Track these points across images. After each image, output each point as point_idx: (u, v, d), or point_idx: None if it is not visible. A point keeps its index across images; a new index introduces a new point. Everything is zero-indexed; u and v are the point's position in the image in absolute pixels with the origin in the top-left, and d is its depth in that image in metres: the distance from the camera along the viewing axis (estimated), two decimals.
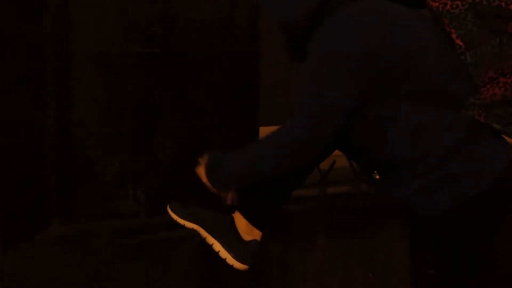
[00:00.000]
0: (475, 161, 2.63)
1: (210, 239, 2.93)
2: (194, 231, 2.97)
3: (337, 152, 2.89)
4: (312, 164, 2.98)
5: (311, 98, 2.61)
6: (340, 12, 2.61)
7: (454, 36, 2.65)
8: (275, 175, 2.79)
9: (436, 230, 2.72)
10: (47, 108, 3.43)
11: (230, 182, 2.88)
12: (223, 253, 2.91)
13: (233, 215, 2.96)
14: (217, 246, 2.92)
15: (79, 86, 3.43)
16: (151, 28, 3.50)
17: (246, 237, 2.93)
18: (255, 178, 2.83)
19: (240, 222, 2.94)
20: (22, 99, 3.36)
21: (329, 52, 2.58)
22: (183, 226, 2.99)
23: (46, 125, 3.44)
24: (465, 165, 2.61)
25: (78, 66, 3.41)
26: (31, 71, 3.38)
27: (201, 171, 2.92)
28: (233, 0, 3.55)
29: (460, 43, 2.64)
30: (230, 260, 2.90)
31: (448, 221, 2.68)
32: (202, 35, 3.58)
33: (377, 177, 2.77)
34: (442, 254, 2.74)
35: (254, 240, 2.94)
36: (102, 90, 3.46)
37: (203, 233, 2.95)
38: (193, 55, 3.57)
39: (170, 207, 3.00)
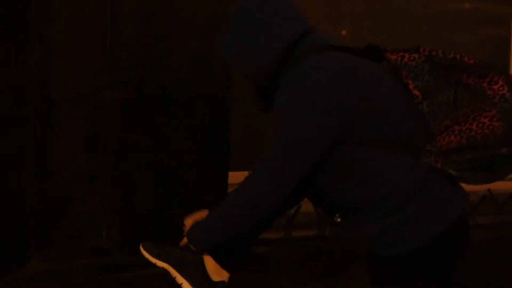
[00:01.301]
0: (433, 205, 2.64)
1: (180, 279, 2.89)
2: (165, 270, 2.92)
3: None
4: (280, 210, 2.93)
5: (277, 147, 2.62)
6: (304, 63, 2.62)
7: (411, 87, 2.67)
8: (250, 222, 2.77)
9: (394, 270, 2.72)
10: (26, 150, 3.43)
11: (205, 242, 2.85)
12: None
13: (203, 256, 2.91)
14: (186, 286, 2.88)
15: (59, 128, 3.42)
16: (128, 73, 3.51)
17: (215, 277, 2.90)
18: (233, 229, 2.80)
19: (209, 263, 2.89)
20: (2, 139, 3.36)
21: (293, 103, 2.59)
22: (154, 265, 2.94)
23: (26, 165, 3.44)
24: (423, 208, 2.62)
25: (58, 110, 3.42)
26: (12, 113, 3.39)
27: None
28: (207, 44, 3.56)
29: (417, 93, 2.66)
30: None
31: (404, 262, 2.68)
32: (178, 79, 3.58)
33: (339, 220, 2.75)
34: None
35: (222, 281, 2.91)
36: (80, 133, 3.47)
37: (173, 272, 2.90)
38: (169, 98, 3.58)
39: (142, 246, 2.95)
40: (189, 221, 2.95)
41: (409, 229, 2.63)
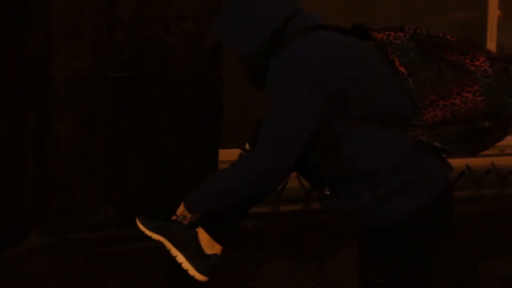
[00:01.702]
0: (419, 177, 2.72)
1: (174, 251, 2.96)
2: (160, 243, 2.98)
3: None
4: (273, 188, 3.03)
5: (273, 127, 2.68)
6: (292, 43, 2.69)
7: (397, 63, 2.74)
8: (247, 196, 2.83)
9: (383, 241, 2.79)
10: (26, 128, 3.45)
11: (202, 207, 2.91)
12: (186, 265, 2.93)
13: (196, 229, 2.98)
14: (180, 258, 2.95)
15: (57, 107, 3.44)
16: (123, 54, 3.52)
17: (208, 250, 2.96)
18: (229, 199, 2.86)
19: (203, 236, 2.96)
20: (3, 118, 3.38)
21: (284, 81, 2.65)
22: (150, 238, 3.00)
23: (25, 143, 3.47)
24: (410, 180, 2.70)
25: (56, 89, 3.43)
26: (13, 93, 3.41)
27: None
28: (199, 27, 3.58)
29: (403, 70, 2.73)
30: (192, 271, 2.93)
31: (394, 232, 2.75)
32: (170, 60, 3.60)
33: (328, 192, 2.82)
34: (389, 263, 2.82)
35: (215, 254, 2.97)
36: (77, 112, 3.48)
37: (168, 245, 2.97)
38: (162, 78, 3.59)
39: (139, 220, 3.02)
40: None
41: (397, 201, 2.70)
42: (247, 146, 3.06)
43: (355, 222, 2.90)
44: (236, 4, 2.80)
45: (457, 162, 4.32)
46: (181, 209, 2.96)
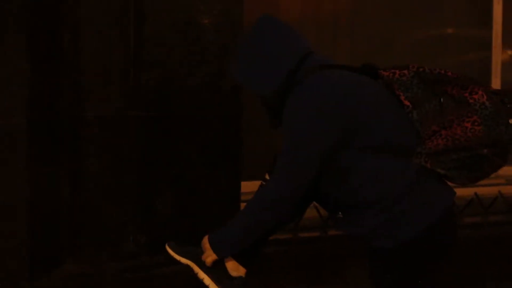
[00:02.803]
0: (421, 203, 2.83)
1: (201, 274, 3.02)
2: (187, 267, 3.05)
3: None
4: (293, 215, 3.10)
5: (288, 157, 2.82)
6: (307, 81, 2.81)
7: (402, 98, 2.87)
8: (270, 224, 2.94)
9: (389, 261, 2.90)
10: (61, 165, 3.56)
11: (232, 248, 2.98)
12: (212, 286, 3.00)
13: None
14: (207, 280, 3.01)
15: (89, 145, 3.55)
16: (149, 95, 3.64)
17: (233, 273, 3.03)
18: (252, 234, 2.96)
19: (228, 260, 3.02)
20: (40, 155, 3.49)
21: (298, 116, 2.79)
22: (178, 262, 3.07)
23: (61, 178, 3.57)
24: (413, 206, 2.81)
25: (89, 128, 3.54)
26: (49, 132, 3.52)
27: (203, 244, 3.03)
28: (220, 69, 3.68)
29: (408, 103, 2.85)
30: None
31: (399, 253, 2.85)
32: (193, 100, 3.71)
33: (341, 216, 2.92)
34: (395, 282, 2.91)
35: (240, 276, 3.04)
36: (108, 149, 3.58)
37: (196, 268, 3.03)
38: (185, 117, 3.70)
39: (168, 245, 3.09)
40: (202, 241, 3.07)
41: (400, 225, 2.82)
42: (267, 177, 3.12)
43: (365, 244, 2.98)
44: (251, 47, 2.92)
45: (466, 191, 4.51)
46: (208, 252, 3.01)
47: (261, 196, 2.93)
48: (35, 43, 3.43)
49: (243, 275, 3.07)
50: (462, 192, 4.49)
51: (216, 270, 3.04)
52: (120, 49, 3.58)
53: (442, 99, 2.86)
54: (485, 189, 4.74)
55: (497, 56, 5.02)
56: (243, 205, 3.68)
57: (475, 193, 4.69)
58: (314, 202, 3.11)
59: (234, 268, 3.05)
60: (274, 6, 4.42)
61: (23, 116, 3.39)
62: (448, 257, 3.01)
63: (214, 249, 2.99)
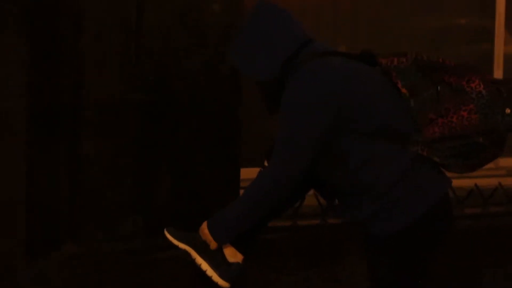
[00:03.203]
0: (417, 190, 2.85)
1: (199, 260, 3.04)
2: (185, 252, 3.06)
3: None
4: (290, 202, 3.15)
5: (285, 142, 2.83)
6: (305, 67, 2.83)
7: (400, 85, 2.88)
8: (267, 209, 2.94)
9: (385, 247, 2.91)
10: (60, 148, 3.58)
11: (232, 234, 3.00)
12: (210, 272, 3.01)
13: None
14: (205, 266, 3.03)
15: (88, 127, 3.57)
16: (149, 79, 3.64)
17: (230, 259, 3.04)
18: (250, 220, 2.97)
19: (226, 246, 3.04)
20: (40, 137, 3.53)
21: (297, 102, 2.80)
22: (176, 247, 3.08)
23: (60, 160, 3.59)
24: (408, 193, 2.83)
25: (87, 110, 3.56)
26: (49, 114, 3.55)
27: (202, 230, 3.04)
28: (218, 54, 3.68)
29: (405, 91, 2.87)
30: (216, 278, 3.00)
31: (394, 240, 2.87)
32: (193, 84, 3.71)
33: (337, 202, 2.97)
34: (391, 269, 2.93)
35: (237, 262, 3.05)
36: (107, 132, 3.59)
37: (194, 254, 3.05)
38: (185, 101, 3.71)
39: (167, 230, 3.10)
40: (201, 227, 3.08)
41: (395, 211, 2.83)
42: (265, 163, 3.15)
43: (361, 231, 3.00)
44: (250, 33, 2.94)
45: (466, 182, 4.52)
46: (207, 238, 3.03)
47: (259, 181, 2.93)
48: (34, 26, 3.45)
49: (241, 262, 3.08)
50: (462, 183, 4.54)
51: (214, 256, 3.05)
52: (119, 34, 3.60)
53: (439, 87, 2.87)
54: (485, 180, 4.74)
55: (500, 47, 5.01)
56: (242, 191, 3.70)
57: (475, 184, 4.68)
58: (314, 190, 3.14)
59: (232, 255, 3.07)
60: None
61: (22, 99, 3.40)
62: (443, 245, 3.01)
63: (213, 235, 3.00)
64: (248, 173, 3.72)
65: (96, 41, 3.56)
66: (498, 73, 5.03)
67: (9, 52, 3.38)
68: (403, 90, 2.88)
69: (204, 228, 3.05)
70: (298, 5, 4.48)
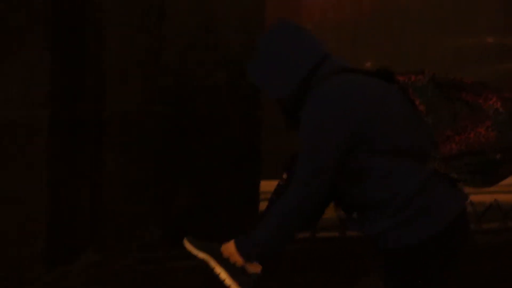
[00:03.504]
0: (434, 206, 2.85)
1: (218, 269, 3.05)
2: (203, 261, 3.09)
3: None
4: (313, 218, 3.13)
5: (307, 159, 2.86)
6: (323, 84, 2.85)
7: (417, 103, 2.89)
8: (292, 232, 2.99)
9: (398, 263, 2.92)
10: (83, 158, 3.66)
11: (261, 252, 3.01)
12: (228, 281, 3.02)
13: None
14: (224, 275, 3.04)
15: (110, 140, 3.63)
16: (169, 93, 3.71)
17: (249, 269, 3.06)
18: (279, 241, 2.99)
19: None
20: (64, 149, 3.58)
21: (316, 119, 2.83)
22: (196, 256, 3.11)
23: (82, 172, 3.66)
24: (425, 208, 2.83)
25: (110, 124, 3.62)
26: (73, 128, 3.61)
27: (227, 248, 3.05)
28: (239, 70, 3.70)
29: (422, 108, 2.88)
30: (234, 287, 3.03)
31: (409, 255, 2.88)
32: (213, 98, 3.77)
33: (355, 217, 2.96)
34: (404, 284, 2.93)
35: (255, 273, 3.07)
36: (128, 145, 3.65)
37: (213, 263, 3.07)
38: (205, 114, 3.76)
39: (186, 239, 3.13)
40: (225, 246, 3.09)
41: (412, 227, 2.83)
42: (284, 176, 3.20)
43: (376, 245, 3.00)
44: (269, 50, 2.96)
45: (485, 197, 4.52)
46: (233, 256, 3.05)
47: (286, 202, 2.94)
48: (58, 38, 3.52)
49: (259, 272, 3.10)
50: (482, 198, 4.55)
51: (232, 266, 3.07)
52: (141, 48, 3.67)
53: (456, 105, 2.89)
54: (504, 196, 4.75)
55: None
56: (262, 204, 3.75)
57: (495, 199, 4.69)
58: (332, 203, 3.13)
59: (251, 264, 3.08)
60: (295, 9, 4.44)
61: (45, 108, 3.47)
62: (459, 261, 3.02)
63: (242, 252, 3.02)
64: (268, 186, 3.64)
65: (118, 54, 3.62)
66: None
67: (34, 63, 3.44)
68: (421, 108, 2.90)
69: (230, 247, 3.07)
70: (318, 22, 4.51)
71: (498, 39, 5.12)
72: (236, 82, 3.77)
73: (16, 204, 3.46)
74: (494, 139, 2.85)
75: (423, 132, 2.89)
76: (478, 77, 3.00)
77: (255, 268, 3.10)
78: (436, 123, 2.88)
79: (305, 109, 2.87)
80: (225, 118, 3.81)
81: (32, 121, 3.45)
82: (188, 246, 3.16)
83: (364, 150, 2.83)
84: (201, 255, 3.13)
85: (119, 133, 3.65)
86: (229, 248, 3.07)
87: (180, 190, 3.76)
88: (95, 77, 3.64)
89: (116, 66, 3.64)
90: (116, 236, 3.69)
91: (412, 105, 2.92)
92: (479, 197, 4.44)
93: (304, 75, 2.90)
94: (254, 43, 3.58)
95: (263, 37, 3.04)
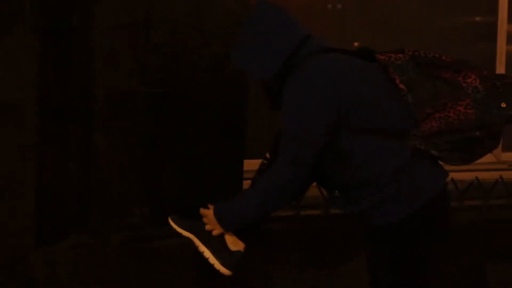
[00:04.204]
0: (415, 183, 2.91)
1: (202, 247, 3.12)
2: (189, 239, 3.14)
3: None
4: (295, 196, 3.18)
5: (291, 140, 2.89)
6: (306, 64, 2.87)
7: (397, 81, 2.92)
8: (278, 205, 3.04)
9: (383, 239, 2.97)
10: (69, 139, 3.61)
11: (238, 223, 3.08)
12: (212, 259, 3.10)
13: None
14: (207, 253, 3.11)
15: (98, 120, 3.59)
16: (157, 73, 3.66)
17: (232, 247, 3.12)
18: (258, 216, 3.06)
19: (228, 234, 3.12)
20: (51, 130, 3.55)
21: (298, 99, 2.86)
22: (180, 235, 3.16)
23: (70, 152, 3.62)
24: (407, 186, 2.89)
25: (98, 104, 3.58)
26: (60, 108, 3.57)
27: (207, 215, 3.13)
28: (225, 50, 3.66)
29: (403, 87, 2.91)
30: (217, 265, 3.09)
31: (393, 231, 2.93)
32: (199, 79, 3.73)
33: (337, 194, 3.01)
34: (389, 259, 2.98)
35: (238, 251, 3.13)
36: (116, 125, 3.61)
37: (197, 241, 3.13)
38: (191, 95, 3.72)
39: (171, 218, 3.20)
40: (205, 212, 3.17)
41: (395, 204, 2.89)
42: (267, 155, 3.25)
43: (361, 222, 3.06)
44: (249, 32, 2.98)
45: (467, 175, 4.55)
46: (211, 223, 3.11)
47: (271, 178, 2.98)
48: (46, 21, 3.48)
49: (242, 250, 3.15)
50: (464, 176, 4.57)
51: (216, 244, 3.12)
52: (129, 29, 3.62)
53: (436, 83, 2.91)
54: (486, 174, 4.77)
55: (502, 43, 5.01)
56: (245, 182, 3.76)
57: (476, 177, 4.71)
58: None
59: (234, 243, 3.14)
60: None
61: (33, 90, 3.44)
62: (442, 237, 3.07)
63: (220, 222, 3.07)
64: (251, 165, 3.76)
65: (106, 36, 3.58)
66: (500, 69, 5.01)
67: (21, 46, 3.41)
68: (401, 86, 2.92)
69: (210, 214, 3.11)
70: (304, 4, 4.50)
71: (467, 19, 5.13)
72: (222, 62, 3.74)
73: (5, 185, 3.45)
74: (473, 117, 2.88)
75: (404, 110, 2.92)
76: (460, 56, 3.02)
77: (238, 246, 3.15)
78: (416, 101, 2.91)
79: (286, 90, 2.89)
80: (211, 98, 3.79)
81: (20, 103, 3.43)
82: (173, 224, 3.22)
83: (346, 129, 2.86)
84: (185, 233, 3.18)
85: (107, 114, 3.62)
86: (209, 215, 3.11)
87: (167, 170, 3.74)
88: (82, 59, 3.60)
89: (103, 48, 3.61)
90: (103, 215, 3.68)
91: (392, 84, 2.95)
92: (460, 174, 4.45)
93: (286, 55, 2.91)
94: (236, 23, 3.61)
95: (246, 19, 3.06)
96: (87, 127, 3.62)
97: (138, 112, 3.67)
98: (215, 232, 3.12)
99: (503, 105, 2.92)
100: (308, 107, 2.83)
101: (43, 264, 3.54)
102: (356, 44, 4.59)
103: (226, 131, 3.84)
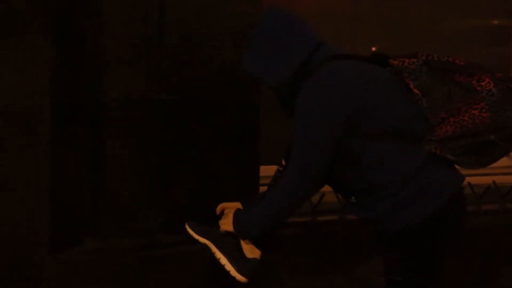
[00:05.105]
0: (430, 187, 2.88)
1: (218, 254, 3.09)
2: (205, 246, 3.12)
3: (326, 188, 3.09)
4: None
5: (303, 146, 2.87)
6: (319, 71, 2.85)
7: (411, 86, 2.91)
8: (292, 213, 3.00)
9: (398, 243, 2.95)
10: (83, 145, 3.63)
11: (255, 232, 3.04)
12: (228, 266, 3.06)
13: None
14: (224, 260, 3.08)
15: (111, 127, 3.60)
16: (170, 79, 3.67)
17: (248, 254, 3.09)
18: (274, 224, 3.04)
19: (245, 242, 3.10)
20: (64, 136, 3.57)
21: (311, 106, 2.83)
22: (197, 241, 3.14)
23: (83, 159, 3.64)
24: (421, 190, 2.86)
25: (110, 109, 3.59)
26: (72, 115, 3.59)
27: (226, 222, 3.10)
28: (238, 55, 3.64)
29: (417, 91, 2.90)
30: (233, 272, 3.05)
31: (407, 236, 2.91)
32: (213, 84, 3.73)
33: (354, 201, 2.99)
34: (404, 263, 2.97)
35: (255, 258, 3.10)
36: (129, 131, 3.62)
37: (213, 248, 3.10)
38: (205, 100, 3.74)
39: (188, 224, 3.17)
40: (220, 208, 3.19)
41: (409, 208, 2.86)
42: (283, 162, 3.24)
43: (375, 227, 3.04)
44: (263, 39, 2.95)
45: (484, 179, 4.53)
46: (228, 229, 3.09)
47: (284, 186, 2.96)
48: (59, 27, 3.49)
49: (258, 257, 3.13)
50: (481, 180, 4.56)
51: (232, 251, 3.10)
52: (141, 34, 3.63)
53: (450, 87, 2.90)
54: (503, 178, 4.75)
55: None
56: (261, 188, 3.76)
57: (493, 181, 4.69)
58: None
59: (250, 250, 3.12)
60: None
61: (46, 97, 3.45)
62: (458, 241, 3.07)
63: (238, 230, 3.05)
64: (267, 171, 3.72)
65: (118, 41, 3.59)
66: None
67: (34, 53, 3.43)
68: (415, 91, 2.91)
69: (229, 216, 3.10)
70: (316, 6, 4.51)
71: (485, 22, 5.12)
72: (235, 67, 3.68)
73: (20, 192, 3.47)
74: (488, 120, 2.86)
75: (419, 115, 2.91)
76: (475, 60, 3.01)
77: (254, 253, 3.13)
78: (431, 106, 2.90)
79: (300, 96, 2.87)
80: (225, 103, 3.79)
81: (33, 110, 3.44)
82: (189, 231, 3.20)
83: (360, 134, 2.84)
84: (202, 240, 3.16)
85: (120, 120, 3.62)
86: (227, 217, 3.10)
87: (180, 176, 3.74)
88: (95, 65, 3.60)
89: (116, 52, 3.62)
90: (117, 222, 3.68)
91: (407, 88, 2.94)
92: (478, 179, 4.44)
93: (299, 62, 2.90)
94: (249, 27, 3.60)
95: (257, 25, 3.02)
96: (100, 133, 3.63)
97: (151, 117, 3.68)
98: (225, 227, 3.11)
99: None
100: (320, 114, 2.82)
101: (57, 269, 3.56)
102: (373, 49, 4.60)
103: (240, 135, 3.84)
